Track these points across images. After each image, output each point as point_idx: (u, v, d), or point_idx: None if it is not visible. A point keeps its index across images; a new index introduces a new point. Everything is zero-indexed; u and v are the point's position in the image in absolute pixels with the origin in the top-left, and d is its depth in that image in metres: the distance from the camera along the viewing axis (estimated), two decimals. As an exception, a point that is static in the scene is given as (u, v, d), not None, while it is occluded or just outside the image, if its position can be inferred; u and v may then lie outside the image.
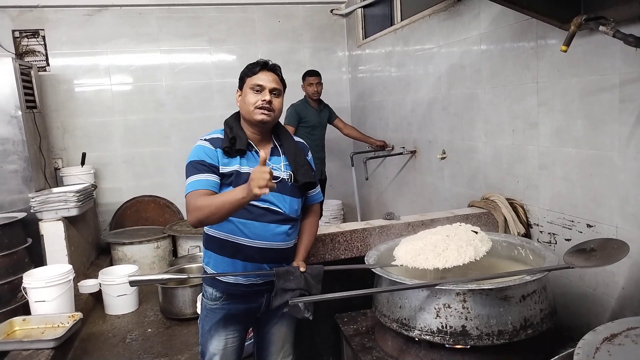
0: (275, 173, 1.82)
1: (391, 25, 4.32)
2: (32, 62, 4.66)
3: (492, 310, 1.58)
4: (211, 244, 1.88)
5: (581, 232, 2.18)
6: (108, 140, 5.09)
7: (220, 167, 1.79)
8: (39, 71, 4.73)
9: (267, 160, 1.69)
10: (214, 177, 1.77)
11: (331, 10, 5.53)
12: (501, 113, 2.71)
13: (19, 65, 4.14)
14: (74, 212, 3.99)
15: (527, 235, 2.50)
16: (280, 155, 1.91)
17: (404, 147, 4.05)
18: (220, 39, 5.26)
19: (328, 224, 4.88)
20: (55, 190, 4.16)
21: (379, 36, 4.59)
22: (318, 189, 2.05)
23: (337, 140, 5.64)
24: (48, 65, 4.88)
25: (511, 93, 2.61)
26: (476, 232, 1.87)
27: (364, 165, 4.33)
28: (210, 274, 1.89)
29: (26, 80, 4.28)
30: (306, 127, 4.49)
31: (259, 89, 1.82)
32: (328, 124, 4.75)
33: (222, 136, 1.85)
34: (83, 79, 5.00)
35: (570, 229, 2.25)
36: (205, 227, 1.90)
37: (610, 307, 2.04)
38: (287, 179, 1.88)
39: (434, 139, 3.56)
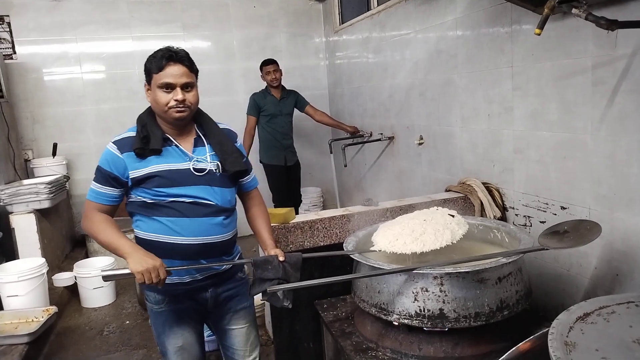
0: (201, 165, 1.76)
1: (368, 11, 4.28)
2: (-3, 50, 4.49)
3: (468, 293, 1.60)
4: (144, 246, 1.70)
5: (555, 215, 2.21)
6: (80, 130, 4.95)
7: (130, 172, 1.69)
8: (5, 59, 4.55)
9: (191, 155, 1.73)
10: (113, 191, 1.71)
11: (307, -5, 5.46)
12: (477, 98, 2.72)
13: (-17, 52, 3.99)
14: (45, 204, 3.88)
15: (503, 218, 2.53)
16: (205, 146, 1.80)
17: (382, 134, 4.05)
18: (193, 24, 5.15)
19: (307, 212, 4.87)
20: (25, 182, 4.05)
21: (355, 22, 4.55)
22: (253, 174, 1.97)
23: (315, 127, 5.60)
24: (14, 53, 4.70)
25: (487, 78, 2.62)
26: (453, 216, 1.89)
27: (342, 152, 4.32)
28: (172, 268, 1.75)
29: (-9, 69, 4.13)
30: (265, 115, 4.52)
31: (169, 88, 1.68)
32: (300, 112, 4.73)
33: (134, 134, 1.73)
34: (52, 67, 4.84)
35: (545, 211, 2.28)
36: (134, 229, 1.80)
37: (584, 287, 2.09)
38: (215, 169, 1.78)
39: (412, 124, 3.57)
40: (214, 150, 1.80)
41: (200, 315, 1.92)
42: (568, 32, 2.02)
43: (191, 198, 1.73)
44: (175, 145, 1.76)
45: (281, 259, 1.73)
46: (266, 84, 4.59)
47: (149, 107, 1.82)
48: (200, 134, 1.83)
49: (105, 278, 1.67)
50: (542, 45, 2.17)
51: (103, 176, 1.70)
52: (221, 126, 1.89)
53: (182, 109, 1.70)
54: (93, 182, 1.73)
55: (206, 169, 1.77)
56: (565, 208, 2.16)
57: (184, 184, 1.72)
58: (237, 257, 1.93)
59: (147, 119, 1.77)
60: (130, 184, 1.71)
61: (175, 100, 1.68)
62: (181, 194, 1.72)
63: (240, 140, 1.95)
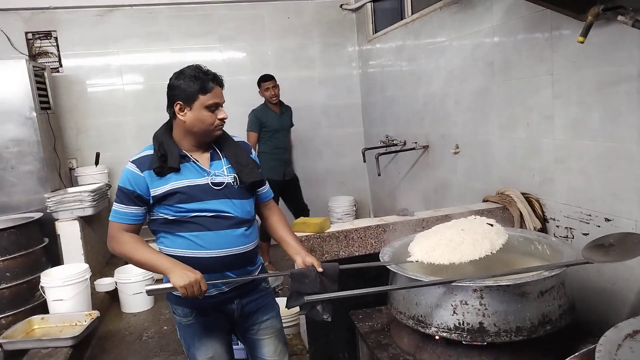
0: (219, 179, 1.79)
1: (402, 19, 4.28)
2: (45, 64, 4.71)
3: (509, 307, 1.56)
4: None
5: (599, 227, 2.14)
6: (121, 140, 5.12)
7: (151, 190, 1.73)
8: (52, 72, 4.77)
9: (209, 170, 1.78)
10: (136, 210, 1.75)
11: (341, 5, 5.49)
12: (515, 106, 2.67)
13: (33, 66, 4.19)
14: (89, 212, 4.03)
15: (544, 230, 2.47)
16: (221, 159, 1.84)
17: (416, 142, 4.02)
18: (229, 36, 5.26)
19: (340, 221, 4.87)
20: (70, 190, 4.21)
21: (389, 30, 4.55)
22: (267, 186, 1.99)
23: (348, 136, 5.63)
24: (61, 66, 4.92)
25: (525, 86, 2.57)
26: (491, 225, 1.85)
27: (376, 161, 4.31)
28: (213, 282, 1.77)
29: (40, 82, 4.33)
30: (268, 131, 4.51)
31: (215, 107, 1.76)
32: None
33: (152, 152, 1.77)
34: (95, 79, 5.04)
35: (588, 223, 2.21)
36: (158, 245, 1.84)
37: (630, 302, 2.01)
38: (233, 182, 1.82)
39: (447, 133, 3.53)
40: (230, 163, 1.84)
41: (228, 326, 1.95)
42: (612, 39, 1.97)
43: (212, 212, 1.76)
44: (193, 161, 1.80)
45: (319, 270, 1.73)
46: (265, 100, 4.60)
47: (165, 125, 1.86)
48: (216, 148, 1.87)
49: (149, 292, 1.69)
50: (584, 53, 2.12)
51: (126, 196, 1.74)
52: (235, 139, 1.93)
53: (222, 125, 1.82)
54: (115, 203, 1.77)
55: (224, 182, 1.80)
56: (610, 220, 2.08)
57: (204, 199, 1.76)
58: (259, 267, 1.96)
59: (163, 137, 1.80)
60: (152, 201, 1.75)
61: (219, 118, 1.78)
62: (202, 209, 1.75)
63: (254, 153, 1.99)
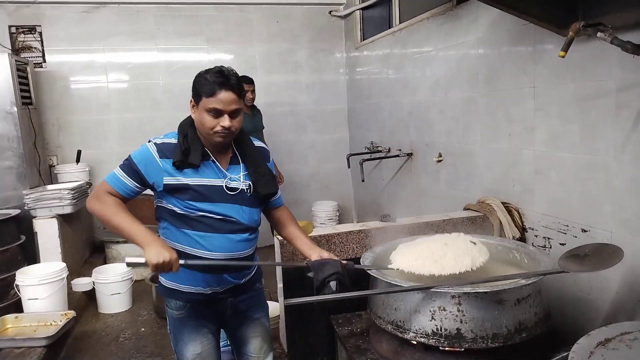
0: (234, 184, 1.78)
1: (389, 28, 4.32)
2: (28, 58, 4.63)
3: (487, 314, 1.59)
4: None
5: (576, 237, 2.19)
6: (104, 138, 5.06)
7: (165, 179, 1.71)
8: (35, 67, 4.69)
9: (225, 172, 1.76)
10: (133, 185, 1.72)
11: (330, 12, 5.53)
12: (498, 117, 2.72)
13: (15, 61, 4.12)
14: (68, 210, 3.97)
15: (522, 239, 2.51)
16: (239, 164, 1.82)
17: (400, 150, 4.06)
18: (217, 38, 5.25)
19: (323, 225, 4.88)
20: (49, 187, 4.14)
21: (377, 38, 4.59)
22: (279, 194, 1.98)
23: (334, 141, 5.65)
24: (44, 61, 4.85)
25: (508, 97, 2.62)
26: (474, 243, 1.87)
27: (360, 167, 4.33)
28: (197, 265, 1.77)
29: (22, 77, 4.26)
30: None
31: (217, 114, 1.68)
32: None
33: (175, 142, 1.74)
34: (79, 76, 4.97)
35: (565, 233, 2.26)
36: (160, 235, 1.82)
37: (604, 312, 2.06)
38: (246, 189, 1.80)
39: (431, 141, 3.57)
40: (248, 171, 1.82)
41: (218, 324, 1.95)
42: (592, 55, 2.02)
43: (220, 215, 1.76)
44: (213, 160, 1.78)
45: (343, 262, 1.72)
46: None
47: (191, 117, 1.81)
48: (237, 153, 1.84)
49: (128, 264, 1.64)
50: (565, 67, 2.17)
51: (131, 168, 1.72)
52: (256, 144, 1.91)
53: (226, 134, 1.71)
54: (118, 168, 1.74)
55: (238, 189, 1.79)
56: (587, 231, 2.13)
57: (215, 201, 1.75)
58: (255, 268, 1.96)
59: (189, 130, 1.77)
60: (161, 189, 1.74)
61: (222, 126, 1.68)
62: (211, 210, 1.74)
63: (272, 159, 1.98)
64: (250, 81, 4.51)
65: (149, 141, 1.76)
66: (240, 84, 1.72)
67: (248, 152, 1.85)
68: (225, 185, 1.77)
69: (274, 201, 1.97)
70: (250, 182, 1.81)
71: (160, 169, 1.71)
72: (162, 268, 1.59)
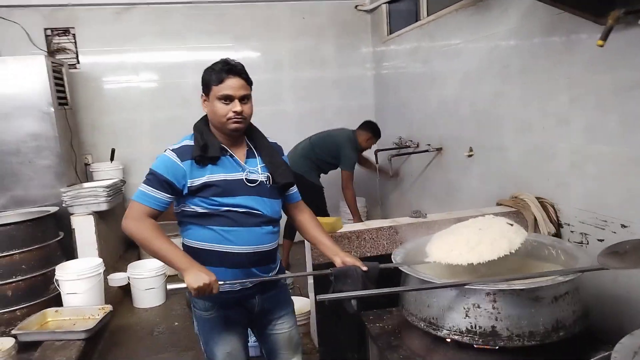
0: (253, 176, 1.81)
1: (417, 21, 4.27)
2: (63, 60, 4.77)
3: (522, 311, 1.55)
4: (193, 255, 1.73)
5: (615, 233, 2.12)
6: (136, 137, 5.17)
7: (189, 180, 1.73)
8: (69, 69, 4.83)
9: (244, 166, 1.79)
10: (164, 197, 1.74)
11: (356, 6, 5.49)
12: (531, 110, 2.65)
13: (51, 62, 4.25)
14: (103, 207, 4.08)
15: (558, 235, 2.45)
16: (256, 157, 1.86)
17: (429, 145, 4.01)
18: (245, 36, 5.29)
19: (352, 221, 4.87)
20: (85, 185, 4.27)
21: (404, 32, 4.54)
22: (295, 187, 1.99)
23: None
24: (78, 62, 4.99)
25: (541, 89, 2.55)
26: (511, 225, 1.83)
27: (388, 163, 4.31)
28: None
29: (58, 78, 4.38)
30: None
31: (228, 100, 1.75)
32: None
33: (192, 143, 1.78)
34: (111, 76, 5.10)
35: (603, 229, 2.19)
36: (184, 237, 1.86)
37: (645, 310, 1.99)
38: (265, 181, 1.83)
39: (461, 136, 3.51)
40: (264, 162, 1.86)
41: (246, 322, 1.97)
42: (630, 43, 1.95)
43: (244, 208, 1.78)
44: (230, 155, 1.81)
45: (364, 269, 1.73)
46: None
47: (204, 117, 1.88)
48: (252, 146, 1.88)
49: (170, 292, 1.70)
50: (602, 57, 2.10)
51: (158, 181, 1.74)
52: (269, 140, 1.95)
53: (240, 120, 1.77)
54: (144, 184, 1.76)
55: (257, 180, 1.82)
56: (626, 226, 2.06)
57: (237, 194, 1.77)
58: (278, 263, 1.98)
59: (204, 128, 1.83)
60: (186, 192, 1.76)
61: (234, 111, 1.75)
62: (235, 204, 1.77)
63: (285, 155, 2.00)
64: None
65: (165, 150, 1.80)
66: (246, 72, 1.81)
67: (262, 145, 1.89)
68: (245, 178, 1.79)
69: (290, 195, 1.98)
70: (268, 174, 1.84)
71: (184, 171, 1.75)
72: (203, 291, 1.61)
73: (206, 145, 1.76)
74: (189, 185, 1.75)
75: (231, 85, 1.74)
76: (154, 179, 1.75)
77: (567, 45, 2.32)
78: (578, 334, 1.64)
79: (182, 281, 1.64)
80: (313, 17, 5.43)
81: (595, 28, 1.98)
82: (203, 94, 1.83)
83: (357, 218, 4.40)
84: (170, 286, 1.69)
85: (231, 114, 1.75)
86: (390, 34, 5.06)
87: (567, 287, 1.61)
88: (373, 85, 5.62)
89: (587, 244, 2.29)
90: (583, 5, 2.02)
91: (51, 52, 4.85)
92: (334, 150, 4.36)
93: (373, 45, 5.52)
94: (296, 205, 2.02)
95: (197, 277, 1.61)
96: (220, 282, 1.66)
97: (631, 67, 1.97)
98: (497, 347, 1.59)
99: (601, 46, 1.72)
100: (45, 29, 4.87)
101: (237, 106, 1.75)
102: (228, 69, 1.75)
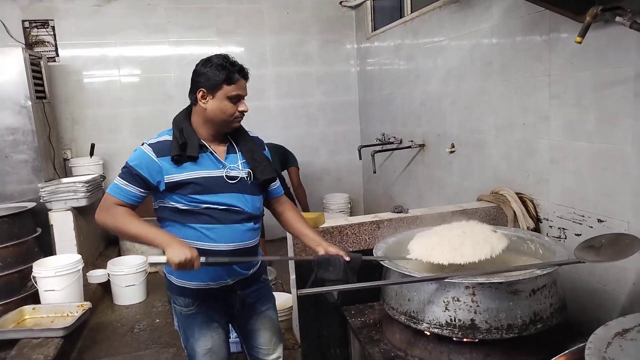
0: (233, 173, 1.80)
1: (401, 18, 4.28)
2: (41, 53, 4.67)
3: (501, 304, 1.57)
4: None
5: (592, 227, 2.15)
6: (117, 132, 5.10)
7: (166, 177, 1.72)
8: (48, 61, 4.74)
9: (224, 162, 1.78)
10: (138, 191, 1.72)
11: (340, 2, 5.49)
12: (512, 106, 2.68)
13: (29, 55, 4.16)
14: (83, 203, 4.02)
15: (537, 229, 2.48)
16: (236, 153, 1.85)
17: (412, 141, 4.03)
18: (228, 30, 5.25)
19: (334, 217, 4.87)
20: (64, 180, 4.19)
21: (388, 28, 4.55)
22: (278, 182, 1.99)
23: (345, 133, 5.63)
24: (57, 55, 4.89)
25: (522, 86, 2.58)
26: (495, 232, 1.85)
27: (371, 159, 4.31)
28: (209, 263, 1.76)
29: (36, 71, 4.30)
30: None
31: (236, 99, 1.76)
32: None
33: (170, 139, 1.75)
34: (92, 70, 5.01)
35: (581, 223, 2.23)
36: None
37: (621, 303, 2.03)
38: (246, 177, 1.83)
39: (443, 132, 3.54)
40: (245, 158, 1.85)
41: (227, 317, 1.96)
42: (609, 41, 1.98)
43: (224, 205, 1.77)
44: (210, 152, 1.79)
45: (347, 259, 1.72)
46: None
47: (184, 111, 1.85)
48: (232, 142, 1.87)
49: (151, 264, 1.68)
50: (582, 54, 2.13)
51: (132, 175, 1.72)
52: (250, 134, 1.93)
53: (241, 118, 1.81)
54: (118, 177, 1.74)
55: (238, 177, 1.80)
56: (603, 221, 2.10)
57: (218, 192, 1.76)
58: (260, 260, 1.98)
59: (184, 124, 1.79)
60: (163, 188, 1.74)
61: (239, 110, 1.78)
62: (215, 201, 1.75)
63: (267, 149, 1.98)
64: None
65: (142, 144, 1.77)
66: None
67: (243, 141, 1.88)
68: (225, 175, 1.78)
69: (273, 190, 1.97)
70: (249, 170, 1.83)
71: (160, 167, 1.72)
72: (184, 266, 1.60)
73: (185, 144, 1.73)
74: (166, 181, 1.73)
75: (242, 86, 1.77)
76: (128, 173, 1.73)
77: (547, 42, 2.35)
78: (556, 326, 1.66)
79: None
80: (297, 13, 5.41)
81: (575, 26, 2.00)
82: (203, 90, 1.74)
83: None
84: (151, 259, 1.66)
85: (237, 114, 1.78)
86: (374, 30, 5.06)
87: (545, 280, 1.64)
88: (357, 82, 5.62)
89: (565, 238, 2.33)
90: (563, 2, 2.05)
91: (29, 45, 4.74)
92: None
93: (357, 42, 5.53)
94: (278, 200, 2.01)
95: (178, 251, 1.60)
96: (202, 260, 1.64)
97: (609, 65, 2.00)
98: (476, 340, 1.61)
99: (579, 43, 1.74)
100: (23, 21, 4.76)
101: (243, 105, 1.78)
102: (239, 69, 1.76)
